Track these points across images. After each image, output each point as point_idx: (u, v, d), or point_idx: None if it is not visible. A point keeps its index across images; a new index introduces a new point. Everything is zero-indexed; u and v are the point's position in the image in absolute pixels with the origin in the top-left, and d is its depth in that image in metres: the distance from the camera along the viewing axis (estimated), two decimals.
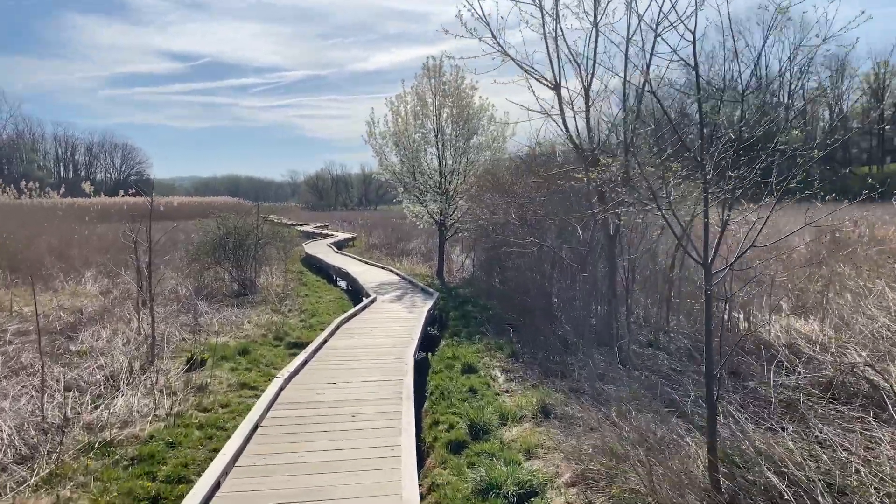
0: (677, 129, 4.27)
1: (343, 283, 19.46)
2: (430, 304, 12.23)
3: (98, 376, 8.16)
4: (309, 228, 43.09)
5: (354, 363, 7.97)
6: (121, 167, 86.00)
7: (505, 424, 6.48)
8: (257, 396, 7.68)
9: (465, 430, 6.29)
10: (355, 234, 36.70)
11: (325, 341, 9.05)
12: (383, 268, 20.09)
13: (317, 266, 22.70)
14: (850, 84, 58.91)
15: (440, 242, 19.51)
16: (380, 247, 29.51)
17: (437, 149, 18.50)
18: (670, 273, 8.73)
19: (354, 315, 11.35)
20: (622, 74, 7.70)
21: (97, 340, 10.24)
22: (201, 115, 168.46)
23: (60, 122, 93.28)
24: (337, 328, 10.04)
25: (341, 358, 8.26)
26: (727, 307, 5.26)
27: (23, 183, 27.81)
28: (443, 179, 18.43)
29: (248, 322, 12.13)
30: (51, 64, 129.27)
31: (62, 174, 79.33)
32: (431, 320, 11.60)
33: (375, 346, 8.95)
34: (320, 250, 26.05)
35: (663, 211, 4.22)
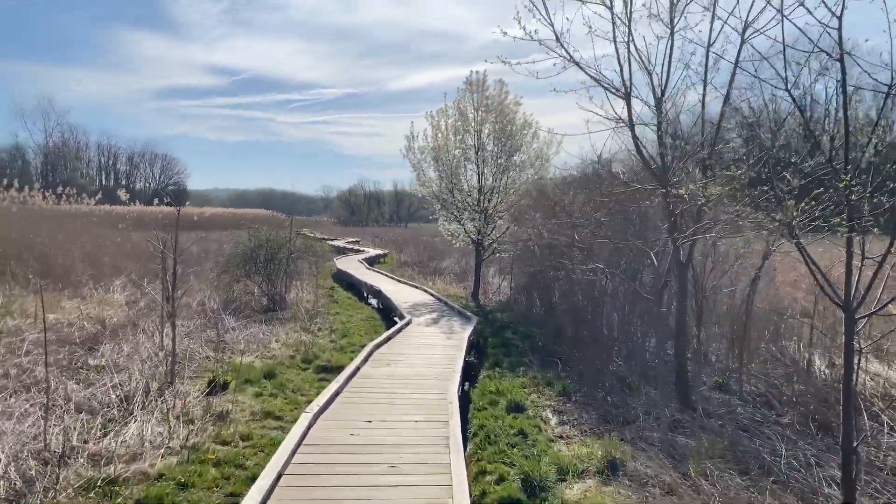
0: (820, 144, 3.40)
1: (374, 301, 18.75)
2: (469, 329, 11.38)
3: (112, 396, 7.51)
4: (340, 243, 42.67)
5: (391, 397, 7.14)
6: (159, 177, 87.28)
7: (564, 480, 5.58)
8: (282, 429, 6.93)
9: (517, 484, 5.42)
10: (387, 251, 36.10)
11: (357, 369, 8.24)
12: (416, 287, 19.33)
13: (348, 282, 22.07)
14: None
15: (476, 263, 18.70)
16: (411, 264, 28.82)
17: (477, 165, 17.77)
18: (747, 308, 7.76)
19: (389, 339, 10.56)
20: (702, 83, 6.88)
21: (118, 355, 9.67)
22: (240, 128, 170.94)
23: (105, 131, 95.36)
24: (370, 354, 9.25)
25: (376, 390, 7.45)
26: (859, 360, 4.31)
27: (60, 188, 27.88)
28: (482, 197, 17.67)
29: (276, 341, 11.44)
30: (100, 75, 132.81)
31: (103, 182, 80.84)
32: (469, 347, 10.74)
33: (414, 377, 8.11)
34: (352, 266, 25.45)
35: (795, 240, 3.34)
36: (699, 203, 5.93)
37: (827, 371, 8.26)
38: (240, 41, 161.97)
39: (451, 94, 18.40)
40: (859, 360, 3.91)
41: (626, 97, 7.18)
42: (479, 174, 17.81)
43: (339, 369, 9.51)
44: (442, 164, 17.79)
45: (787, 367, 9.10)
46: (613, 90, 7.21)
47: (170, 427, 6.48)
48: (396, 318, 14.61)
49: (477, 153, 17.70)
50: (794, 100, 3.45)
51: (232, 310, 13.79)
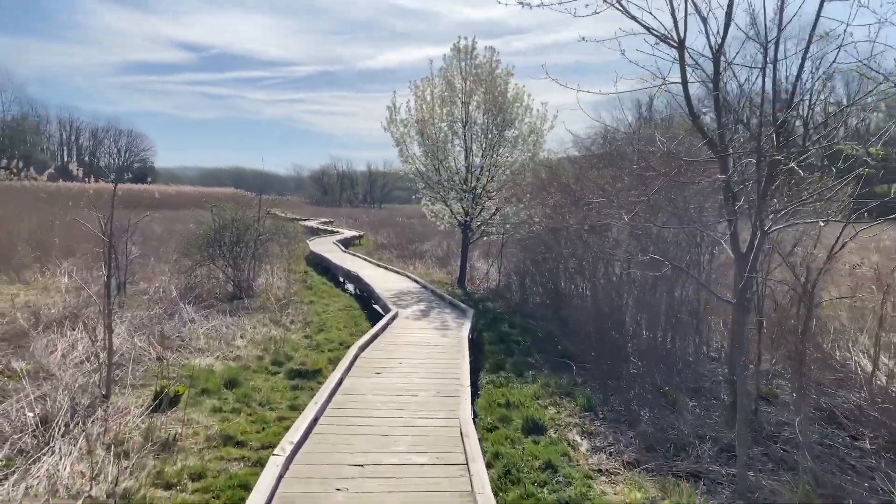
0: None
1: (351, 287, 17.23)
2: (466, 326, 9.89)
3: (29, 416, 5.92)
4: (314, 224, 40.81)
5: (385, 424, 5.54)
6: (125, 153, 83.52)
7: None
8: (246, 460, 5.45)
9: None
10: (362, 233, 34.47)
11: (340, 381, 6.68)
12: (398, 272, 17.82)
13: (322, 266, 20.46)
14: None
15: (463, 247, 17.26)
16: (389, 247, 27.33)
17: (465, 141, 16.22)
18: (808, 304, 6.45)
19: (375, 337, 9.02)
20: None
21: (51, 354, 8.06)
22: (209, 105, 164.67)
23: (66, 105, 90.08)
24: (355, 358, 7.71)
25: (365, 413, 5.85)
26: None
27: (4, 161, 25.61)
28: (470, 176, 16.16)
29: (242, 336, 9.88)
30: (60, 48, 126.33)
31: (65, 158, 77.11)
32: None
33: (410, 392, 6.58)
34: (326, 248, 23.80)
35: None
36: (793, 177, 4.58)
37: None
38: (208, 16, 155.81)
39: (424, 73, 16.77)
40: None
41: (680, 46, 5.74)
42: (466, 150, 16.29)
43: (316, 374, 8.05)
44: (427, 138, 16.20)
45: (837, 372, 7.89)
46: (663, 38, 5.77)
47: (93, 464, 4.94)
48: (378, 308, 13.14)
49: (465, 127, 16.16)
50: None
51: (193, 297, 12.19)
